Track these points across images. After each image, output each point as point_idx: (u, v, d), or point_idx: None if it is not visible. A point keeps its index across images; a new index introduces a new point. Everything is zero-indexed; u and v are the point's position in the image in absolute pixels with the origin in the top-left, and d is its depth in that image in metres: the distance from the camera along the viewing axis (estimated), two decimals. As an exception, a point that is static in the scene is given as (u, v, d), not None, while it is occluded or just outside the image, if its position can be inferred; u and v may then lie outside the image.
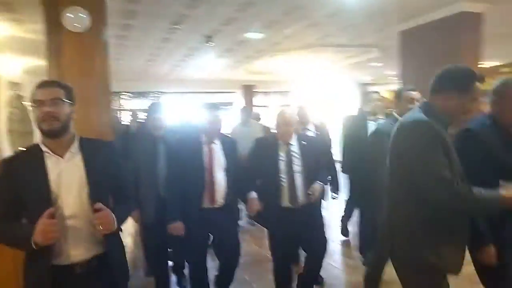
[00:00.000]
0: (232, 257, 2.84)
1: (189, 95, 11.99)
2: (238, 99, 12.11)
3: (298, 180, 2.75)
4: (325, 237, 2.95)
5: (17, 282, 1.83)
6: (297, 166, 2.77)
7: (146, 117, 3.17)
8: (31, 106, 1.59)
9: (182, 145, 2.80)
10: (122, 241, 1.84)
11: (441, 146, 1.61)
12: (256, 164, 2.91)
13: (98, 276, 1.66)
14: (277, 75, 10.42)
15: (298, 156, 2.79)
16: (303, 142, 2.85)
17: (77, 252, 1.62)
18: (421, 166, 1.61)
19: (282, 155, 2.78)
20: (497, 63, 8.43)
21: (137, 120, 6.44)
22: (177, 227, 2.68)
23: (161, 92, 11.86)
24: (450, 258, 1.67)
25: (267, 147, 2.86)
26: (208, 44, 6.07)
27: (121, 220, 1.70)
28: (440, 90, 1.72)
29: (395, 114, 3.00)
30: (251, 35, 6.03)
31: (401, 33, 5.63)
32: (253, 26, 5.52)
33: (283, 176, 2.74)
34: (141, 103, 11.34)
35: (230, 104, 12.13)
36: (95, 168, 1.66)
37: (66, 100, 1.60)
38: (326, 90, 12.22)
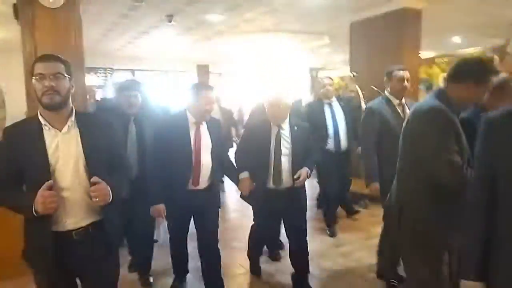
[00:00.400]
0: (210, 242, 2.82)
1: (141, 73, 11.74)
2: (192, 79, 12.06)
3: (285, 163, 2.74)
4: (305, 221, 2.97)
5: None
6: (285, 149, 2.75)
7: (118, 94, 3.08)
8: (32, 78, 1.61)
9: (168, 127, 2.68)
10: (116, 209, 1.87)
11: (453, 133, 1.71)
12: (247, 145, 2.91)
13: (94, 241, 1.73)
14: (233, 57, 10.59)
15: (288, 140, 2.77)
16: (295, 127, 2.82)
17: (73, 220, 1.68)
18: (433, 151, 1.70)
19: (272, 138, 2.76)
20: (433, 54, 9.37)
21: (94, 97, 6.29)
22: (159, 209, 2.67)
23: (111, 68, 11.51)
24: (449, 233, 1.81)
25: (259, 128, 2.85)
26: (170, 23, 6.12)
27: (117, 190, 1.74)
28: (458, 79, 1.79)
29: (386, 93, 3.03)
30: (211, 17, 6.17)
31: (352, 24, 6.12)
32: (215, 8, 5.68)
33: (271, 158, 2.74)
34: (90, 80, 10.93)
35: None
36: (91, 141, 1.71)
37: (66, 75, 1.64)
38: (279, 74, 12.57)
